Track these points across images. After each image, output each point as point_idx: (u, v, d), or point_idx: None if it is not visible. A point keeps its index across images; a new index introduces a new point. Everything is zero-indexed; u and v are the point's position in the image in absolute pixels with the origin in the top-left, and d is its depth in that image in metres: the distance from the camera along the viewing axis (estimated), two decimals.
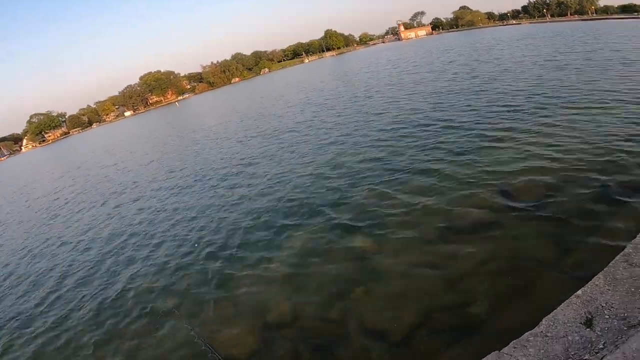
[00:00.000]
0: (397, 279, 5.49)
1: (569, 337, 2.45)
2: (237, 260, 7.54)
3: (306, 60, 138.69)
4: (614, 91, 12.28)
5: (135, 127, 60.44)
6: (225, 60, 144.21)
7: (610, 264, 2.99)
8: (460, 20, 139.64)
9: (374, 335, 4.63)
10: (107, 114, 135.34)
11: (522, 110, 12.44)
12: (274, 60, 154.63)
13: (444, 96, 17.75)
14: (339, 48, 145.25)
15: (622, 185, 6.35)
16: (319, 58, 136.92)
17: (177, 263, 8.18)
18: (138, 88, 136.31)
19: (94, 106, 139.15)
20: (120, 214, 13.36)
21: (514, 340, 2.55)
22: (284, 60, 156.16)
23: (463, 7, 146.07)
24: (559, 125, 10.13)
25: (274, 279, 6.49)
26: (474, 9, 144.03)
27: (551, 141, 9.11)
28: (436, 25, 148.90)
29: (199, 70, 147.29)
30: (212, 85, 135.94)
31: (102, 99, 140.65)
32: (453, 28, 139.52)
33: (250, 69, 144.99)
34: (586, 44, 26.53)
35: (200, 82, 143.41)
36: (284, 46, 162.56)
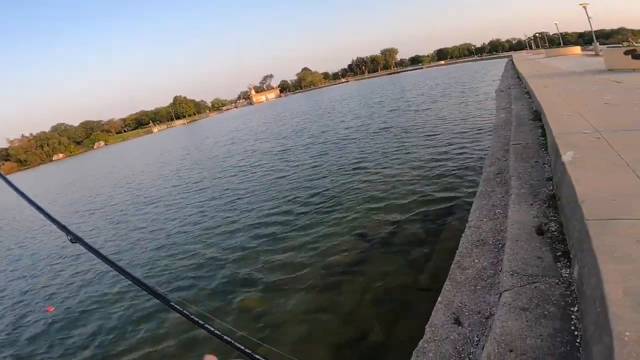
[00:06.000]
0: (297, 327, 5.33)
1: (451, 337, 2.70)
2: None
3: (155, 130, 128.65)
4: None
5: None
6: (44, 132, 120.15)
7: (450, 272, 3.49)
8: (303, 81, 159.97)
9: None
10: None
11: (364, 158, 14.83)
12: (111, 132, 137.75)
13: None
14: (190, 115, 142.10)
15: (441, 211, 8.12)
16: (168, 127, 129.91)
17: None
18: None
19: None
20: None
21: (415, 350, 2.75)
22: (124, 131, 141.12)
23: (305, 69, 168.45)
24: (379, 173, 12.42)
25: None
26: (313, 69, 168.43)
27: (382, 181, 10.97)
28: (284, 87, 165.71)
29: (4, 145, 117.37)
30: (23, 164, 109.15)
31: None
32: (298, 89, 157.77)
33: (79, 143, 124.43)
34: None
35: (6, 160, 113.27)
36: (125, 115, 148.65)
